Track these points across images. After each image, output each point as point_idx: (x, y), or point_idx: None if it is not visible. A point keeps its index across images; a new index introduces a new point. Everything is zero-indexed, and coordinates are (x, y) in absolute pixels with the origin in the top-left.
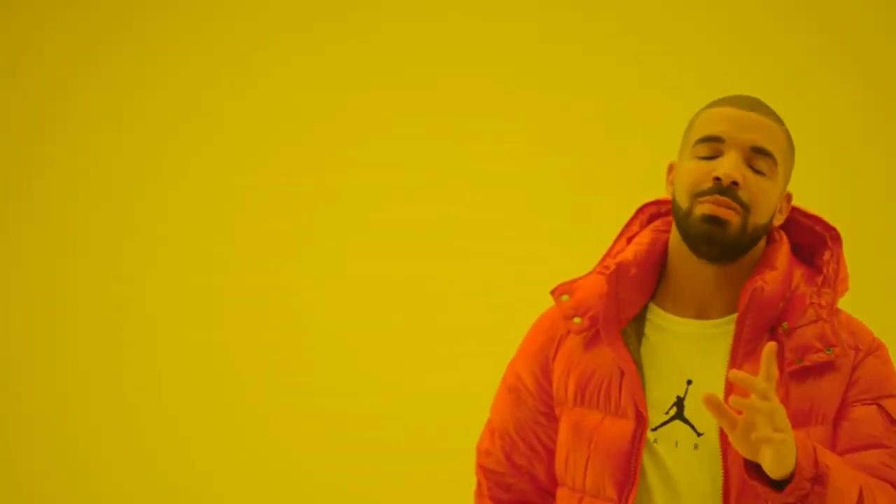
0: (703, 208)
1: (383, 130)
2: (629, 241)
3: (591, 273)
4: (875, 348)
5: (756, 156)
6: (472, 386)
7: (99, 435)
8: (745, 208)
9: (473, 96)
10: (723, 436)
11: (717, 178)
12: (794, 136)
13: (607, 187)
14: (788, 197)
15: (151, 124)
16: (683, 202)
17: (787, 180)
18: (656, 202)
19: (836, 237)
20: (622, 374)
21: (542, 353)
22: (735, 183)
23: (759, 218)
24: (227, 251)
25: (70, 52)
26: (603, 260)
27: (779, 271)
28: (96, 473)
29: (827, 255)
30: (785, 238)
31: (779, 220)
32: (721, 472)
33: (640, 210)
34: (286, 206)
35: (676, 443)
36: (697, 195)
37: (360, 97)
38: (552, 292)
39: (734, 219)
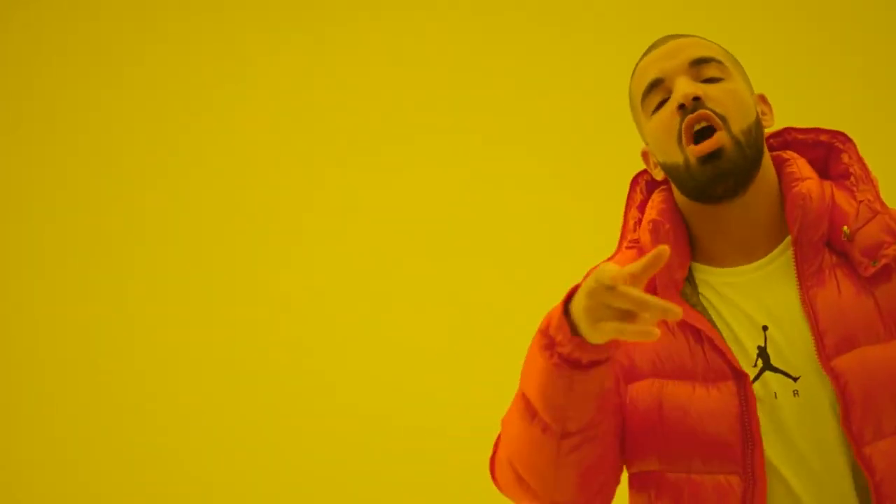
0: (693, 151)
1: (380, 130)
2: (641, 210)
3: (616, 252)
4: None
5: (700, 67)
6: (470, 385)
7: (90, 435)
8: (722, 118)
9: (468, 93)
10: (828, 367)
11: (681, 106)
12: None
13: (606, 187)
14: (763, 98)
15: (141, 123)
16: (674, 157)
17: (748, 83)
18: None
19: (847, 138)
20: (697, 336)
21: None
22: (697, 98)
23: (740, 122)
24: (224, 251)
25: (63, 50)
26: (623, 238)
27: (813, 179)
28: (89, 473)
29: (845, 157)
30: (796, 154)
31: (768, 122)
32: (833, 409)
33: (635, 181)
34: (286, 204)
35: (775, 394)
36: (679, 139)
37: (353, 94)
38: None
39: (723, 139)
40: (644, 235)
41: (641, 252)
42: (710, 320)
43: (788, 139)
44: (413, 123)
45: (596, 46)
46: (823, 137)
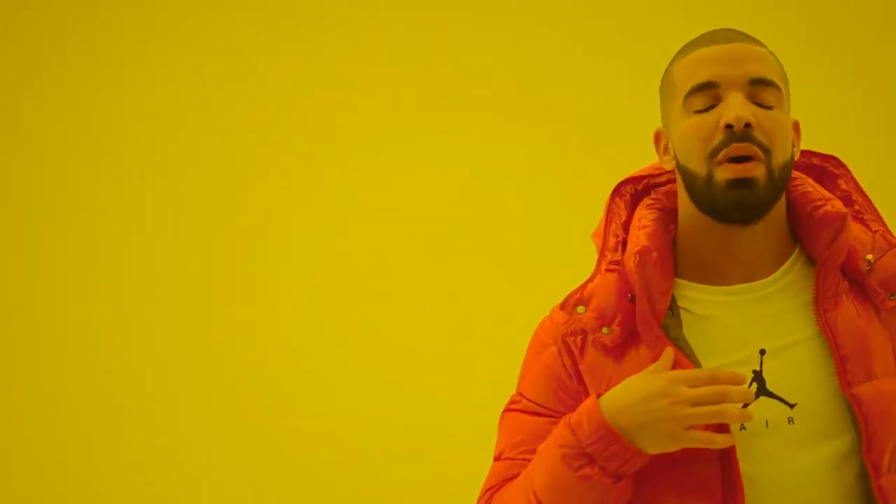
0: (725, 172)
1: (380, 130)
2: (626, 228)
3: (595, 274)
4: None
5: (758, 89)
6: (470, 385)
7: (89, 436)
8: (766, 151)
9: (469, 93)
10: (850, 393)
11: (729, 126)
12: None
13: (607, 189)
14: (796, 125)
15: (141, 123)
16: (699, 167)
17: (789, 108)
18: (630, 180)
19: (840, 163)
20: None
21: (559, 378)
22: (748, 125)
23: (780, 157)
24: (224, 251)
25: (63, 50)
26: (603, 257)
27: (837, 200)
28: (89, 473)
29: (842, 183)
30: (801, 174)
31: (796, 154)
32: (831, 438)
33: (618, 192)
34: (286, 204)
35: (767, 422)
36: (713, 154)
37: (354, 95)
38: (562, 307)
39: (759, 171)
40: (629, 262)
41: (622, 277)
42: (692, 354)
43: None
44: (413, 123)
45: (597, 46)
46: (815, 161)
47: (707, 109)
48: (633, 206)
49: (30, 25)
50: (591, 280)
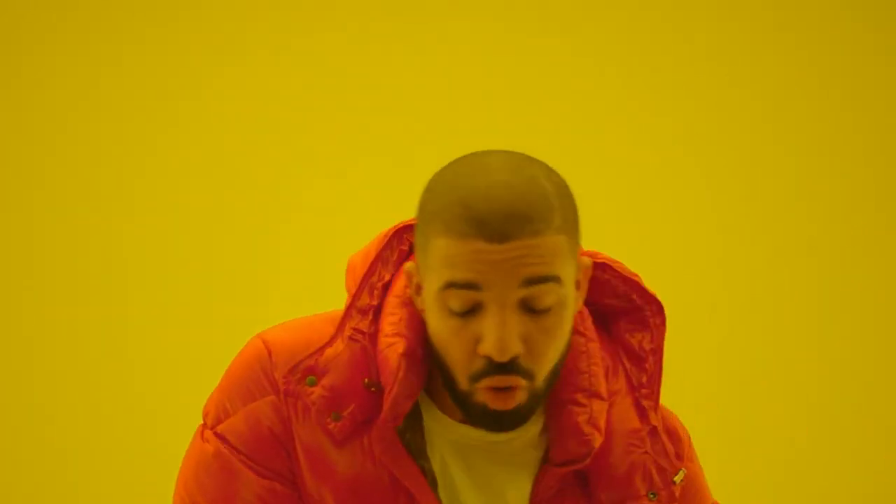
0: (486, 398)
1: (381, 129)
2: (382, 291)
3: (336, 338)
4: (689, 447)
5: (532, 290)
6: None
7: (88, 437)
8: (532, 377)
9: (468, 92)
10: None
11: (489, 357)
12: (771, 150)
13: (609, 194)
14: (586, 271)
15: (131, 118)
16: (460, 380)
17: (576, 254)
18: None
19: (660, 310)
20: (408, 496)
21: (279, 437)
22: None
23: (547, 371)
24: (223, 250)
25: (59, 51)
26: (349, 316)
27: (604, 402)
28: (87, 474)
29: (646, 340)
30: (592, 330)
31: (579, 304)
32: None
33: (397, 236)
34: (286, 204)
35: None
36: (473, 379)
37: (354, 93)
38: (291, 372)
39: (521, 397)
40: (389, 354)
41: (363, 353)
42: (430, 472)
43: (596, 273)
44: (412, 123)
45: (597, 50)
46: (635, 297)
47: (465, 314)
48: (398, 264)
49: (27, 16)
50: (329, 343)
